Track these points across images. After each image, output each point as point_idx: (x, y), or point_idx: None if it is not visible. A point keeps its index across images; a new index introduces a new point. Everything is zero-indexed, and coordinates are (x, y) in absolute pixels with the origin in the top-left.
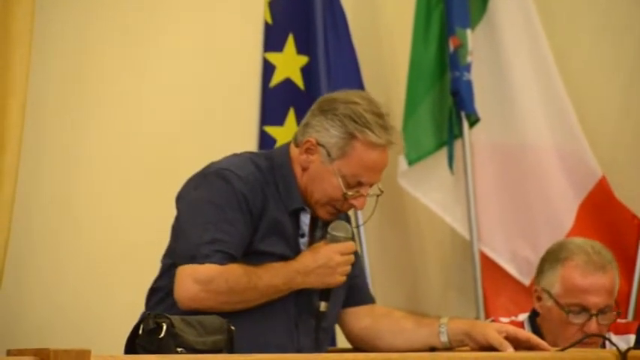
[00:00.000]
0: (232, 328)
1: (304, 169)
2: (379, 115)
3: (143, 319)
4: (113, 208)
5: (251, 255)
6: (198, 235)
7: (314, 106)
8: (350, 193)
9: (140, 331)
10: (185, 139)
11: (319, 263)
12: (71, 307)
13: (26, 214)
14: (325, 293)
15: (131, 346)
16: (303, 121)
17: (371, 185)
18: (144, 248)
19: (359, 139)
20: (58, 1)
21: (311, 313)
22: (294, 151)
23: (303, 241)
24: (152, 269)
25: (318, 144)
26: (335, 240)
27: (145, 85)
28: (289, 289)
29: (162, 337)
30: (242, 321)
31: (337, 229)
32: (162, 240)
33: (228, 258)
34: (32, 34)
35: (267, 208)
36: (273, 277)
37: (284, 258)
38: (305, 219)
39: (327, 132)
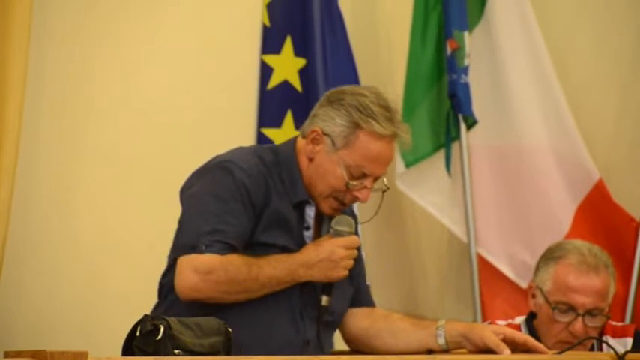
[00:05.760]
0: (229, 329)
1: (310, 160)
2: (386, 108)
3: (140, 321)
4: (111, 209)
5: (252, 246)
6: (198, 226)
7: (322, 98)
8: (354, 183)
9: (137, 333)
10: (183, 141)
11: (322, 256)
12: (69, 307)
13: (24, 214)
14: (327, 287)
15: (128, 348)
16: (311, 113)
17: (376, 179)
18: (142, 248)
19: (363, 129)
20: (56, 1)
21: (315, 305)
22: (300, 143)
23: (308, 234)
24: (150, 269)
25: (324, 133)
26: (338, 234)
27: (143, 87)
28: (292, 280)
29: (160, 339)
30: (245, 311)
31: (341, 223)
32: (160, 240)
33: (229, 248)
34: (30, 34)
35: (270, 201)
36: (275, 268)
37: (286, 250)
38: (310, 212)
39: (332, 121)
